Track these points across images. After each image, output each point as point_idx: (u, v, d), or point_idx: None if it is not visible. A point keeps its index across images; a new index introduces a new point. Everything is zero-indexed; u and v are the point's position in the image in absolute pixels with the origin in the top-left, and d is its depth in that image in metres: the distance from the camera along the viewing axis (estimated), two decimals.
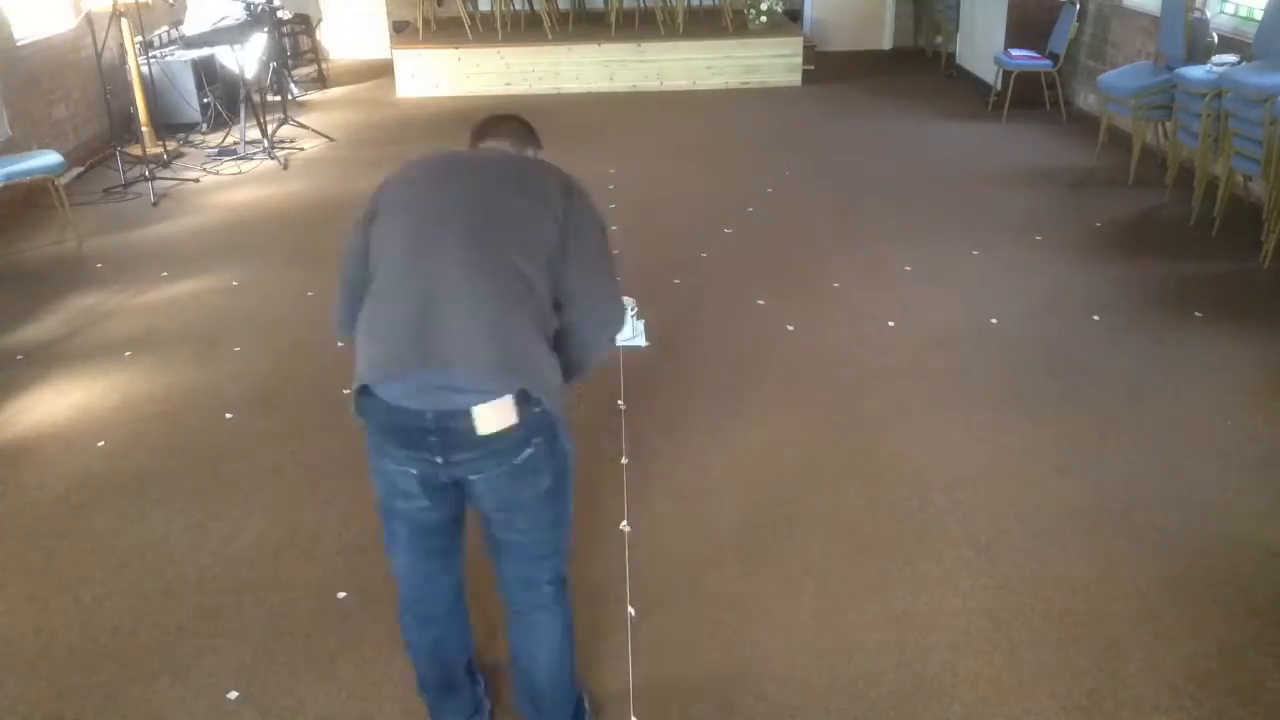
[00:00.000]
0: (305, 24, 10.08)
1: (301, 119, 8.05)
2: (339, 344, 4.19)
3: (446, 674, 2.23)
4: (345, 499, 3.22)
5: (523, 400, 1.85)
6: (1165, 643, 2.55)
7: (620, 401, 3.76)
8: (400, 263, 1.91)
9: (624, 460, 3.40)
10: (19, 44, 6.40)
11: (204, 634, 2.67)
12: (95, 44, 6.51)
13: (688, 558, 2.92)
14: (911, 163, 6.75)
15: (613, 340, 2.12)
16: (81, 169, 6.93)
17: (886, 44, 10.92)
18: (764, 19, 9.38)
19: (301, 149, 7.45)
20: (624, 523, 3.06)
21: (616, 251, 5.17)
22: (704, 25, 9.69)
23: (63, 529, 3.13)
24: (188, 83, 7.79)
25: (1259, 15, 5.51)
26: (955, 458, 3.37)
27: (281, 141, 7.54)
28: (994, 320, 4.33)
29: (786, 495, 3.20)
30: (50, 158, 5.56)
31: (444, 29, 9.85)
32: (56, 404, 3.89)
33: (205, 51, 7.99)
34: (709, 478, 3.31)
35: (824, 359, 4.07)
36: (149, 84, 7.19)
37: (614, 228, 5.59)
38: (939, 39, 10.09)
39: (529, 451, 1.91)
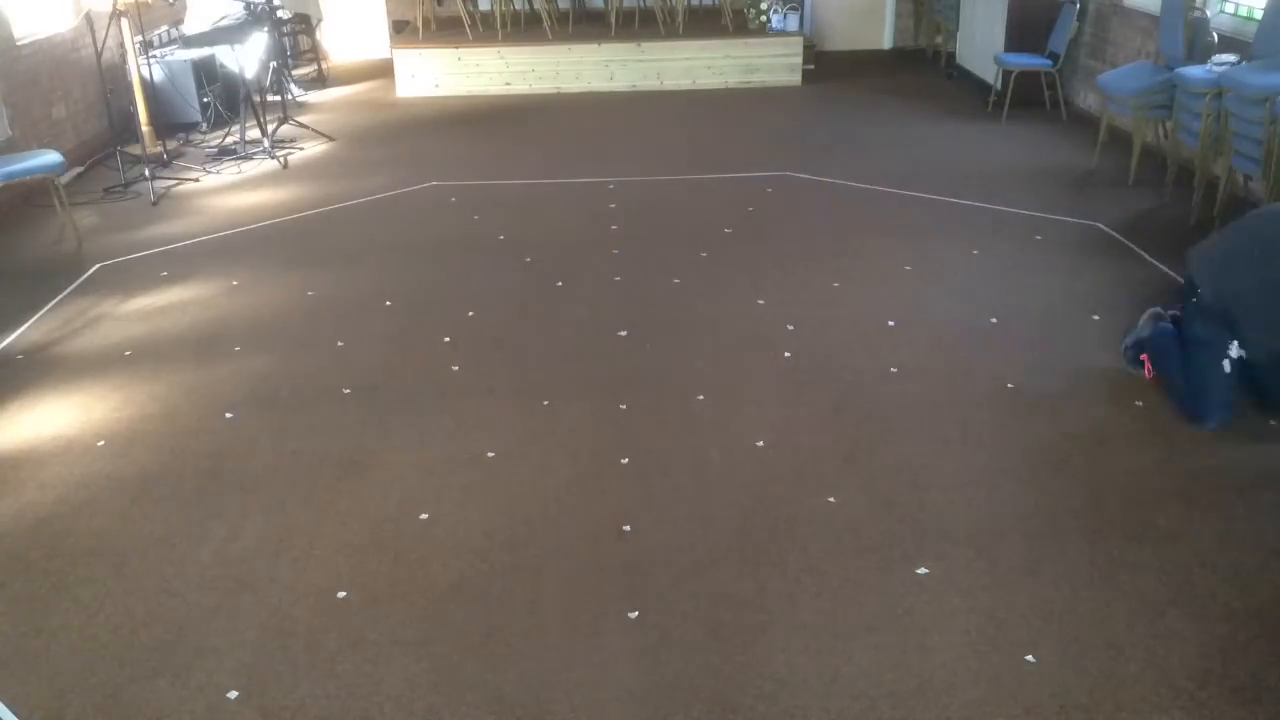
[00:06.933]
0: (305, 24, 10.09)
1: (301, 119, 8.05)
2: (338, 344, 4.19)
3: None
4: (345, 499, 3.22)
5: None
6: (1165, 643, 2.55)
7: (621, 404, 3.77)
8: None
9: (624, 460, 3.40)
10: (19, 44, 6.40)
11: (204, 634, 2.67)
12: (95, 44, 6.51)
13: (688, 558, 2.92)
14: (911, 162, 6.75)
15: None
16: (81, 169, 6.93)
17: (886, 44, 10.92)
18: (764, 19, 9.38)
19: (301, 149, 7.45)
20: (625, 524, 3.07)
21: (617, 251, 5.21)
22: (704, 25, 9.69)
23: (63, 529, 3.13)
24: (188, 82, 7.78)
25: (1259, 15, 5.51)
26: (955, 458, 3.37)
27: (281, 141, 7.54)
28: (994, 320, 4.33)
29: (786, 495, 3.20)
30: (50, 157, 5.55)
31: (444, 29, 9.85)
32: (56, 404, 3.89)
33: (205, 51, 8.00)
34: (709, 478, 3.31)
35: (824, 359, 4.07)
36: (149, 84, 7.19)
37: (614, 227, 5.61)
38: (939, 39, 10.08)
39: None
